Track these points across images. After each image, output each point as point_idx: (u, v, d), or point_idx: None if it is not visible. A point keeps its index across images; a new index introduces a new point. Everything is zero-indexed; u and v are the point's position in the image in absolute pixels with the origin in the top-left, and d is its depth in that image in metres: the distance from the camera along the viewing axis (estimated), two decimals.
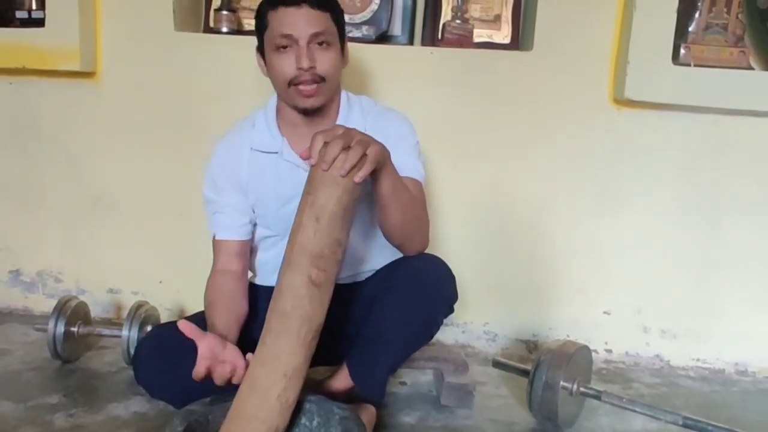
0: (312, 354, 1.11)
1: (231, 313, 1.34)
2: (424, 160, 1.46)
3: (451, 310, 1.42)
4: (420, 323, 1.35)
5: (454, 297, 1.40)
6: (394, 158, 1.31)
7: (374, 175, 1.15)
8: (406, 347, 1.38)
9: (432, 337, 1.43)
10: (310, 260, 1.08)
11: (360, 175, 1.07)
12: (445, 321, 1.43)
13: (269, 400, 1.07)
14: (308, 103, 1.34)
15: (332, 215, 1.08)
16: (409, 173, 1.36)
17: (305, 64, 1.30)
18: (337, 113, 1.44)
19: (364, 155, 1.08)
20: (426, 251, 1.41)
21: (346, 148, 1.07)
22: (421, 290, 1.31)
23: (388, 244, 1.38)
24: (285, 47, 1.31)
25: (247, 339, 1.28)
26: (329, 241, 1.08)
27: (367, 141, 1.10)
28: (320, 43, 1.32)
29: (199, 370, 1.12)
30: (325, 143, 1.08)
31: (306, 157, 1.12)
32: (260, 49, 1.41)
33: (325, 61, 1.33)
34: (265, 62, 1.40)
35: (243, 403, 1.08)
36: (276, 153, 1.42)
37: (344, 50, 1.43)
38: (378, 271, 1.47)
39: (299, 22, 1.30)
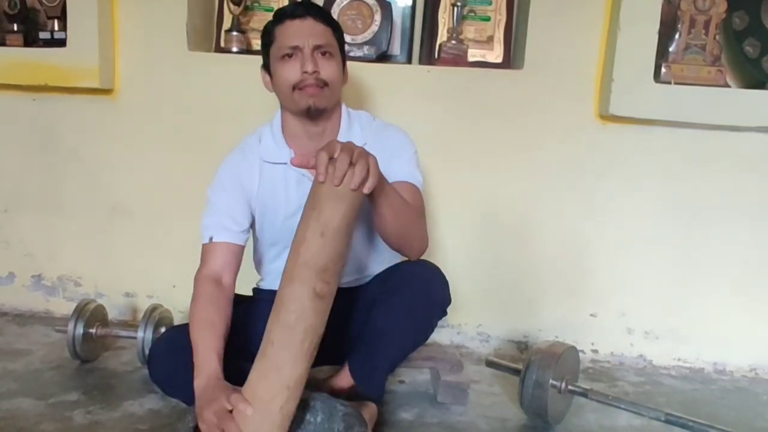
0: (311, 364, 1.07)
1: (224, 332, 1.26)
2: (421, 170, 1.45)
3: (445, 313, 1.42)
4: (416, 326, 1.36)
5: (447, 301, 1.40)
6: (393, 165, 1.33)
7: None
8: (402, 349, 1.39)
9: (427, 338, 1.43)
10: (314, 274, 1.04)
11: (369, 187, 1.06)
12: (440, 323, 1.43)
13: (272, 412, 1.03)
14: (311, 101, 1.33)
15: (337, 230, 1.04)
16: (406, 178, 1.36)
17: (309, 68, 1.30)
18: (339, 127, 1.44)
19: (367, 173, 1.06)
20: (424, 256, 1.41)
21: (351, 162, 1.05)
22: (417, 295, 1.31)
23: (389, 249, 1.39)
24: (290, 55, 1.33)
25: (247, 344, 1.23)
26: (333, 255, 1.05)
27: (366, 152, 1.08)
28: (323, 53, 1.34)
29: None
30: (331, 159, 1.05)
31: (298, 164, 1.11)
32: (265, 66, 1.42)
33: (327, 67, 1.34)
34: (270, 76, 1.40)
35: (243, 418, 1.02)
36: (285, 164, 1.41)
37: (344, 68, 1.43)
38: (377, 275, 1.46)
39: (304, 33, 1.32)
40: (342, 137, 1.41)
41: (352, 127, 1.45)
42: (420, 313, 1.34)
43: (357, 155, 1.06)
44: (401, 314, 1.30)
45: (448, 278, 1.41)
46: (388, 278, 1.39)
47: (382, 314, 1.31)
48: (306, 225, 1.07)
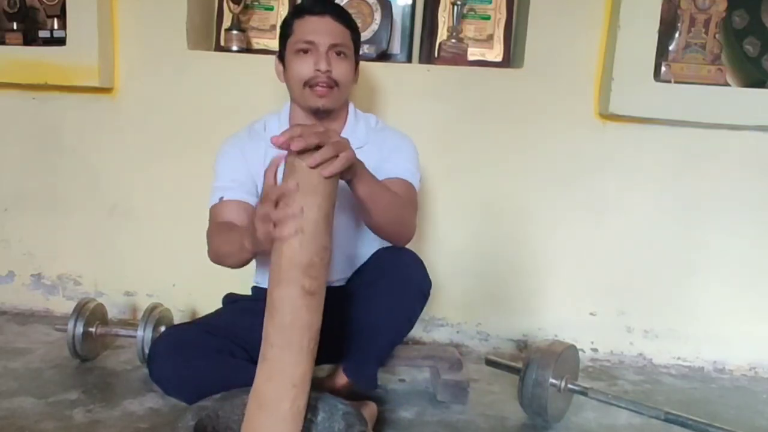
0: (315, 358, 1.07)
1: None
2: (420, 174, 1.46)
3: (426, 298, 1.39)
4: (399, 315, 1.36)
5: (427, 284, 1.38)
6: (389, 162, 1.35)
7: (351, 183, 1.14)
8: (389, 338, 1.40)
9: (412, 325, 1.41)
10: (301, 271, 1.03)
11: (329, 171, 1.01)
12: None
13: (281, 411, 1.03)
14: (320, 103, 1.36)
15: (316, 224, 1.03)
16: (400, 174, 1.37)
17: (323, 67, 1.33)
18: (344, 125, 1.45)
19: (335, 156, 1.02)
20: (419, 252, 1.41)
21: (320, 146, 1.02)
22: (396, 284, 1.32)
23: (376, 247, 1.40)
24: (306, 51, 1.35)
25: (249, 343, 1.26)
26: (316, 249, 1.03)
27: (343, 144, 1.05)
28: (338, 53, 1.36)
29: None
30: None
31: (277, 144, 1.03)
32: (281, 57, 1.43)
33: (340, 68, 1.36)
34: (284, 68, 1.41)
35: (255, 420, 1.04)
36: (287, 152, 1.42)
37: (356, 69, 1.46)
38: (357, 269, 1.45)
39: (321, 30, 1.34)
40: (346, 133, 1.42)
41: (357, 128, 1.46)
42: (401, 302, 1.34)
43: (331, 141, 1.03)
44: (383, 305, 1.30)
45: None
46: (365, 270, 1.40)
47: (363, 307, 1.32)
48: None
